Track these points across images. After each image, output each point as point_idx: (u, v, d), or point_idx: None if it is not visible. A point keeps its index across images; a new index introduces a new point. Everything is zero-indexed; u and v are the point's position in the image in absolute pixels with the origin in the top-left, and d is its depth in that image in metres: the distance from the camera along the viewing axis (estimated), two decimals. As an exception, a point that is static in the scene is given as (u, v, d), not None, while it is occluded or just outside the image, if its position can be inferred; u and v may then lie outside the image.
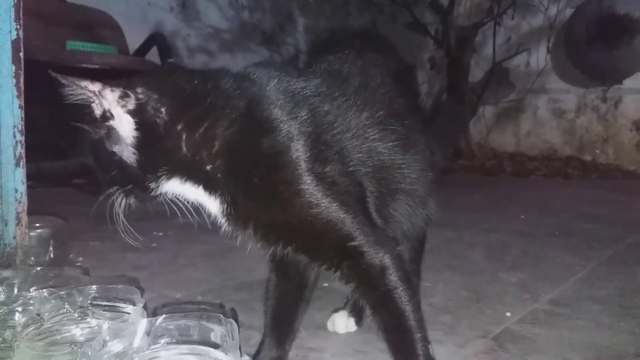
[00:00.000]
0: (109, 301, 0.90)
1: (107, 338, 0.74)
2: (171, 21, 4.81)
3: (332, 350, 1.13)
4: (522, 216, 2.66)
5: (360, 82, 0.98)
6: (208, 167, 0.84)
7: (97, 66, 3.11)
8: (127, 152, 0.82)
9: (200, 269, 1.74)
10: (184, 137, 0.83)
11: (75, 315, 0.87)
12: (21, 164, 1.39)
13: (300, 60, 5.49)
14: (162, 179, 0.84)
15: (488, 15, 4.59)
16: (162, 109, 0.82)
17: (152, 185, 0.84)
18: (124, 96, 0.82)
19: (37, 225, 1.56)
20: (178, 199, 0.88)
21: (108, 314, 0.88)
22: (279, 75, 0.90)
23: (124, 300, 0.89)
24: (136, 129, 0.82)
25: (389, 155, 0.95)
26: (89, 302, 0.90)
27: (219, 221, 0.90)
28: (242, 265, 1.75)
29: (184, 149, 0.84)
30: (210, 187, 0.86)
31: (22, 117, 1.38)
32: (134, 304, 0.88)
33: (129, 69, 3.26)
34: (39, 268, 1.13)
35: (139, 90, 0.82)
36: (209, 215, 0.91)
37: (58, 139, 3.79)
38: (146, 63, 3.46)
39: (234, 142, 0.84)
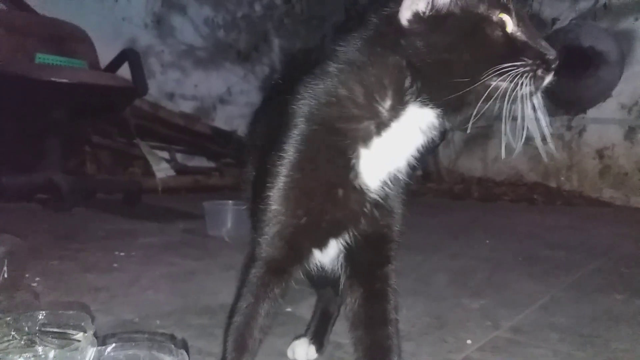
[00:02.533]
0: (58, 328, 0.86)
1: (53, 368, 0.71)
2: (145, 37, 4.78)
3: (291, 379, 1.12)
4: (487, 241, 2.70)
5: None
6: None
7: (66, 80, 3.04)
8: None
9: (162, 292, 1.70)
10: None
11: (22, 342, 0.84)
12: (-25, 179, 1.34)
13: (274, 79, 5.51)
14: None
15: (460, 42, 4.70)
16: None
17: None
18: None
19: (-8, 243, 1.51)
20: None
21: (57, 341, 0.84)
22: None
23: (74, 327, 0.86)
24: None
25: None
26: (37, 328, 0.86)
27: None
28: (205, 288, 1.72)
29: None
30: None
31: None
32: (84, 331, 0.85)
33: (98, 84, 3.21)
34: (-14, 291, 1.09)
35: None
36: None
37: (22, 153, 3.70)
38: (117, 79, 3.41)
39: None
